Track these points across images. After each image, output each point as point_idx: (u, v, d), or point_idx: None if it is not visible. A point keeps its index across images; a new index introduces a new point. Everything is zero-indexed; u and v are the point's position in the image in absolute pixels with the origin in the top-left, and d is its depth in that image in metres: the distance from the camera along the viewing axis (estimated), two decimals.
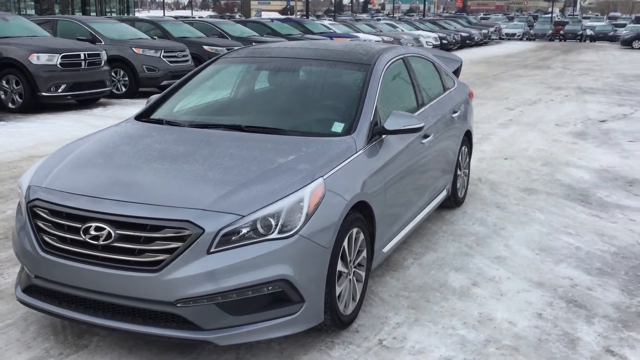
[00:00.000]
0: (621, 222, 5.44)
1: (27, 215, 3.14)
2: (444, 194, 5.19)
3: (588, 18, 69.40)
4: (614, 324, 3.61)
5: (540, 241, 4.92)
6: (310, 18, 38.71)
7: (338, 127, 3.74)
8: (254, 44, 14.83)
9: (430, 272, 4.26)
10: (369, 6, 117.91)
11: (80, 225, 2.93)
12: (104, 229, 2.88)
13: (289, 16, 51.07)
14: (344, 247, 3.24)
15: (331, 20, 35.55)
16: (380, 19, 41.39)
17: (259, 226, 2.89)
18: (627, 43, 36.58)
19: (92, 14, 38.45)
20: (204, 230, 2.80)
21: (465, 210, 5.64)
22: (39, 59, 10.19)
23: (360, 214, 3.43)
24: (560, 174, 7.07)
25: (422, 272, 4.25)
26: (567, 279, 4.21)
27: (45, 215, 3.07)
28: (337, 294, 3.22)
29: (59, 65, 10.36)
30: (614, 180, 6.88)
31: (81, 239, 2.92)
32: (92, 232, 2.89)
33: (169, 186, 3.04)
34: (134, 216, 2.87)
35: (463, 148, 5.60)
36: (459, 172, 5.53)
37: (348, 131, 3.67)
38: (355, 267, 3.45)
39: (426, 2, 66.06)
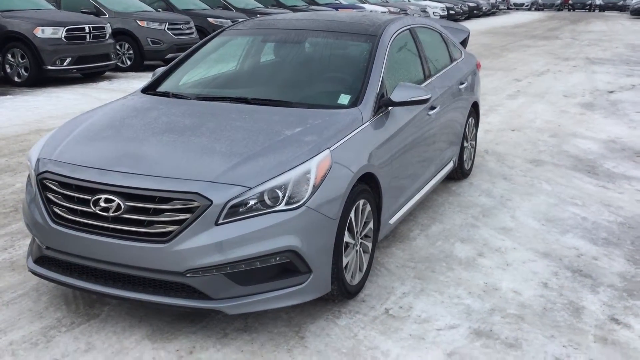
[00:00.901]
0: (628, 193, 5.44)
1: (37, 187, 3.17)
2: (450, 165, 5.19)
3: None
4: (619, 293, 3.64)
5: (546, 212, 4.93)
6: None
7: (344, 99, 3.73)
8: (258, 15, 14.71)
9: (436, 243, 4.29)
10: None
11: (89, 197, 2.96)
12: (113, 200, 2.91)
13: None
14: (350, 218, 3.26)
15: None
16: None
17: (266, 198, 2.92)
18: (637, 13, 36.07)
19: None
20: (212, 201, 2.83)
21: (471, 182, 5.65)
22: (44, 33, 10.15)
23: (367, 186, 3.44)
24: (567, 145, 7.05)
25: (428, 243, 4.28)
26: (573, 249, 4.23)
27: (55, 188, 3.10)
28: (344, 265, 3.25)
29: (63, 39, 10.32)
30: (621, 151, 6.85)
31: (91, 210, 2.95)
32: (102, 204, 2.92)
33: (177, 158, 3.07)
34: (143, 188, 2.90)
35: (470, 120, 5.58)
36: (465, 144, 5.52)
37: (354, 103, 3.66)
38: (362, 238, 3.47)
39: None
